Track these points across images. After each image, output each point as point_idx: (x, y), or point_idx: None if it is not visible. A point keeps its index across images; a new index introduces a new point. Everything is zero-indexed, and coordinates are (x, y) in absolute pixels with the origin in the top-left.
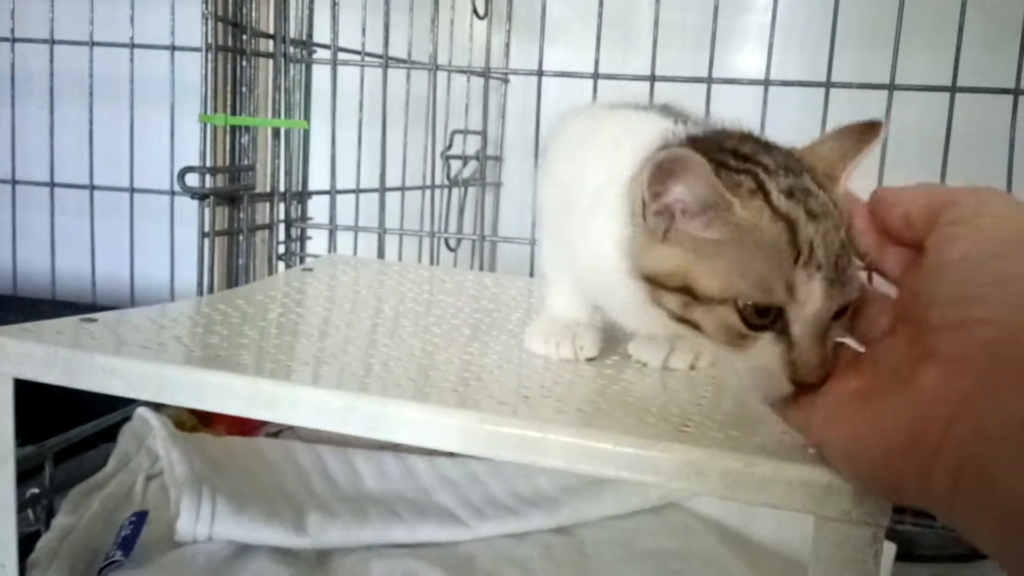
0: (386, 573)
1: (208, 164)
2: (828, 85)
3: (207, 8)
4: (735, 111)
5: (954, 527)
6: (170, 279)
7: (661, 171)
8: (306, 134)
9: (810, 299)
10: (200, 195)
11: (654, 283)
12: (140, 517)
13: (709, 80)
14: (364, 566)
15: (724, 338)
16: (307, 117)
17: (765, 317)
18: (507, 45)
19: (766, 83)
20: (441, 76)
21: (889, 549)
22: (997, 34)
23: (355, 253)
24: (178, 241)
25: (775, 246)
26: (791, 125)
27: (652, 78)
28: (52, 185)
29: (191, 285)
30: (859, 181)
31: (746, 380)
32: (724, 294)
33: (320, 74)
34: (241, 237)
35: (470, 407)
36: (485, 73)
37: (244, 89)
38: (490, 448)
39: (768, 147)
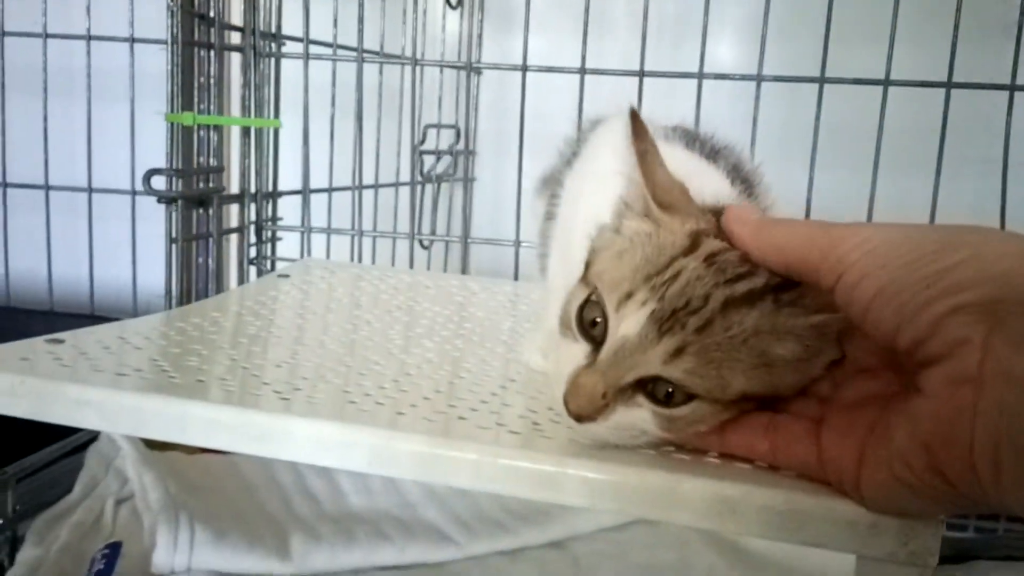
0: None
1: (175, 166)
2: (822, 80)
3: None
4: (716, 107)
5: (1013, 510)
6: (132, 281)
7: None
8: (276, 132)
9: (626, 320)
10: (168, 199)
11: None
12: (113, 549)
13: (700, 75)
14: None
15: (562, 320)
16: (277, 114)
17: (594, 328)
18: (479, 36)
19: (759, 79)
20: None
21: None
22: (931, 28)
23: (328, 255)
24: (140, 240)
25: (644, 257)
26: (778, 121)
27: (641, 73)
28: (4, 185)
29: (155, 287)
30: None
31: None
32: (591, 279)
33: (289, 68)
34: (211, 242)
35: (481, 440)
36: (467, 67)
37: (212, 85)
38: (506, 485)
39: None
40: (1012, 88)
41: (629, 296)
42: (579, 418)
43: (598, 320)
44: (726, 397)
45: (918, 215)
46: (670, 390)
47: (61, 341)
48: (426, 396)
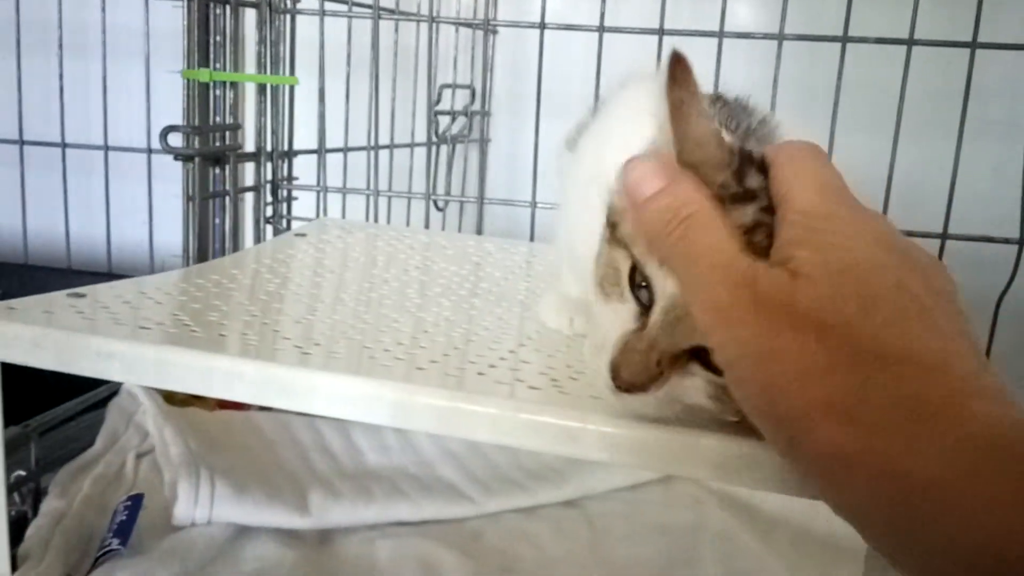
0: (393, 553)
1: (192, 122)
2: (844, 40)
3: None
4: (736, 67)
5: None
6: (149, 240)
7: None
8: (292, 90)
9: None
10: (185, 156)
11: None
12: (135, 501)
13: (721, 34)
14: (369, 546)
15: (603, 278)
16: (292, 70)
17: (641, 290)
18: None
19: (780, 38)
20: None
21: None
22: None
23: (344, 214)
24: (156, 198)
25: None
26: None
27: (660, 32)
28: (21, 143)
29: (171, 246)
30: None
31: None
32: (623, 238)
33: (305, 26)
34: (227, 200)
35: (501, 394)
36: (484, 25)
37: (227, 42)
38: (526, 439)
39: None
40: None
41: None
42: (630, 388)
43: (643, 284)
44: None
45: (939, 178)
46: None
47: (82, 295)
48: (445, 353)
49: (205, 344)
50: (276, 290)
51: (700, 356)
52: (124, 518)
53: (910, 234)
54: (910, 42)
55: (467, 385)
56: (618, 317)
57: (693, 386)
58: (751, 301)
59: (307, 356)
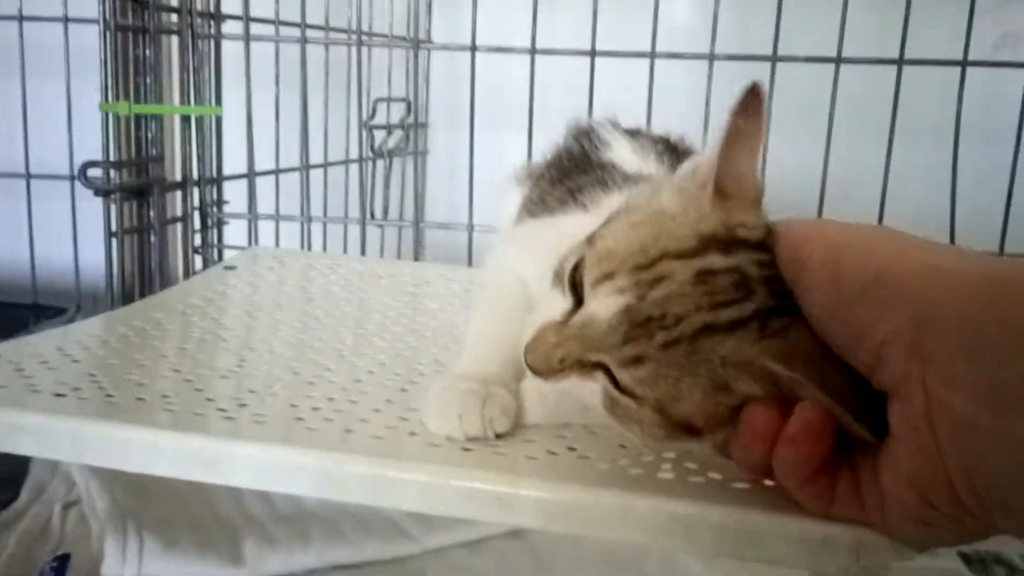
0: None
1: (112, 157)
2: (775, 59)
3: None
4: (671, 84)
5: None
6: (75, 268)
7: None
8: (219, 117)
9: (598, 299)
10: (105, 192)
11: None
12: (61, 562)
13: (652, 55)
14: None
15: (555, 272)
16: (219, 96)
17: (581, 287)
18: (428, 6)
19: (711, 57)
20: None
21: None
22: (884, 4)
23: (277, 239)
24: (85, 220)
25: (643, 242)
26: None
27: (592, 53)
28: None
29: (102, 269)
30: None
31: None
32: (594, 239)
33: (230, 47)
34: (153, 234)
35: (432, 459)
36: (414, 44)
37: (148, 71)
38: (457, 507)
39: None
40: (964, 64)
41: (609, 277)
42: (533, 371)
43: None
44: (673, 414)
45: (872, 182)
46: None
47: None
48: (376, 408)
49: (122, 413)
50: (202, 336)
51: (605, 367)
52: None
53: None
54: (838, 60)
55: (398, 448)
56: (554, 306)
57: (592, 389)
58: None
59: (230, 422)
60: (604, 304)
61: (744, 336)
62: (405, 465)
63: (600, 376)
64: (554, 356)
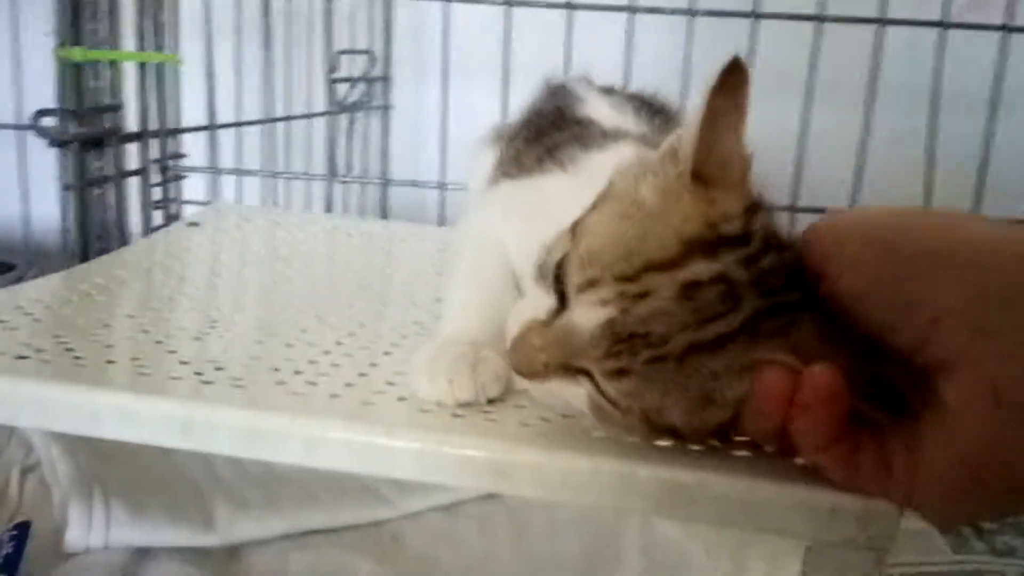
0: (308, 567)
1: (67, 105)
2: (755, 15)
3: None
4: (649, 41)
5: None
6: (24, 222)
7: None
8: (176, 67)
9: (581, 308)
10: (61, 142)
11: None
12: (21, 530)
13: (631, 8)
14: (282, 560)
15: (538, 266)
16: (176, 43)
17: (560, 282)
18: None
19: (691, 13)
20: None
21: None
22: None
23: (239, 193)
24: (35, 170)
25: (628, 245)
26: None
27: (569, 6)
28: None
29: (52, 223)
30: None
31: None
32: (578, 232)
33: None
34: (113, 187)
35: (424, 425)
36: None
37: (103, 14)
38: (451, 475)
39: None
40: (943, 25)
41: (592, 285)
42: (516, 372)
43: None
44: (658, 422)
45: (848, 143)
46: None
47: None
48: (362, 372)
49: (91, 376)
50: (170, 295)
51: (588, 373)
52: (10, 551)
53: (821, 211)
54: (820, 18)
55: (388, 414)
56: (537, 302)
57: (576, 393)
58: None
59: (209, 386)
60: (587, 314)
61: (734, 348)
62: (396, 432)
63: (584, 381)
64: (537, 360)
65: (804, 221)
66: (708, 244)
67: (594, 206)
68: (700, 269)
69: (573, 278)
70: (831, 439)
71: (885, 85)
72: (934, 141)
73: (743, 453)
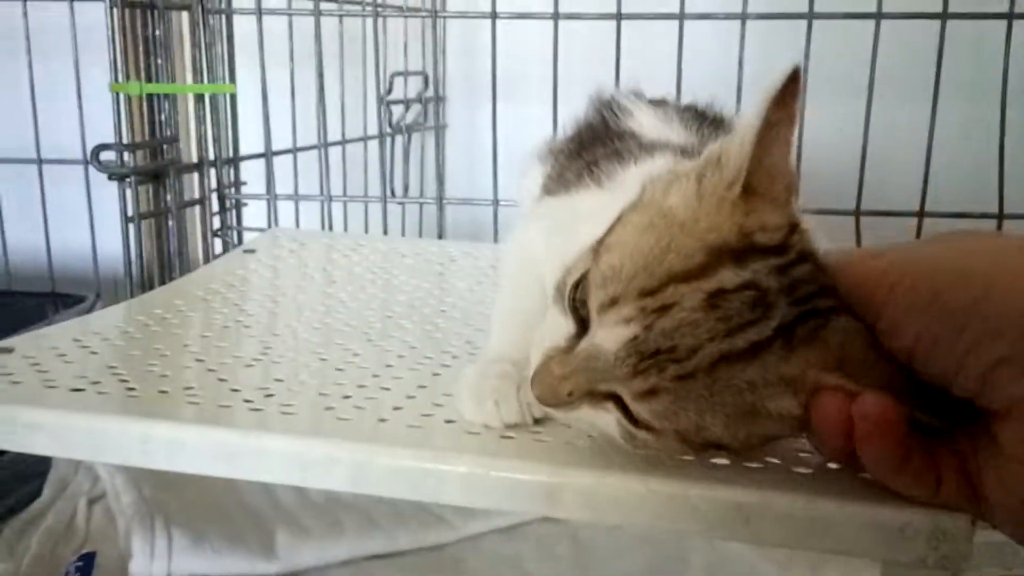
0: None
1: (125, 140)
2: (811, 16)
3: None
4: (701, 48)
5: None
6: (92, 257)
7: None
8: (233, 95)
9: (604, 329)
10: (119, 176)
11: None
12: (87, 561)
13: (681, 16)
14: None
15: (556, 286)
16: (232, 74)
17: (583, 309)
18: None
19: (743, 17)
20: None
21: None
22: None
23: (297, 219)
24: (101, 204)
25: (648, 259)
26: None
27: (618, 16)
28: None
29: (118, 258)
30: None
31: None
32: (600, 249)
33: (243, 22)
34: (170, 218)
35: (471, 448)
36: (432, 15)
37: (158, 49)
38: (499, 499)
39: None
40: (1010, 16)
41: (614, 303)
42: (541, 402)
43: (582, 308)
44: (698, 440)
45: (914, 142)
46: None
47: (10, 350)
48: (409, 394)
49: (142, 407)
50: (225, 323)
51: (616, 397)
52: None
53: (887, 214)
54: (879, 16)
55: (435, 438)
56: (556, 327)
57: (606, 420)
58: None
59: (258, 413)
60: (610, 335)
61: (769, 357)
62: (444, 456)
63: (612, 408)
64: (561, 389)
65: (869, 225)
66: (738, 252)
67: (619, 220)
68: (726, 277)
69: (594, 297)
70: (900, 459)
71: (948, 79)
72: (1003, 138)
73: (804, 470)
